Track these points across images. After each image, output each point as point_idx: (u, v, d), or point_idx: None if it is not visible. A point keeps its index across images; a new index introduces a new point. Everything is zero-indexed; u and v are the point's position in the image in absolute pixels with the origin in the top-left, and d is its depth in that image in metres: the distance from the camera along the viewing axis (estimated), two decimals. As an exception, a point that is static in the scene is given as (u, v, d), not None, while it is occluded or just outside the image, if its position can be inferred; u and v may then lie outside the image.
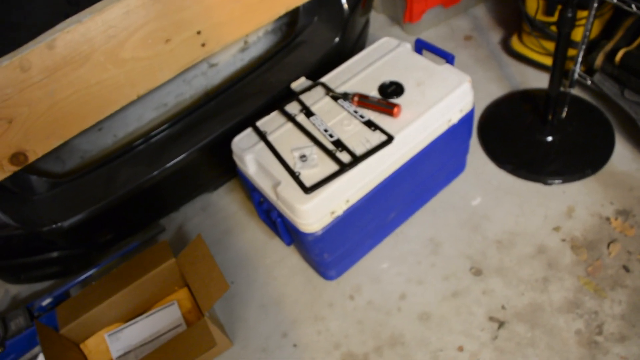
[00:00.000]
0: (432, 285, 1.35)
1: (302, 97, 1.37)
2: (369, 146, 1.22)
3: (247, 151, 1.28)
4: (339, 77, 1.41)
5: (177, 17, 1.25)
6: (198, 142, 1.45)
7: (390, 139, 1.22)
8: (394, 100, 1.30)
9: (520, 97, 1.73)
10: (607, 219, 1.38)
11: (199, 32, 1.30)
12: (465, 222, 1.46)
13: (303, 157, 1.23)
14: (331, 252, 1.30)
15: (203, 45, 1.33)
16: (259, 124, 1.34)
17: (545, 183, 1.49)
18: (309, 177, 1.19)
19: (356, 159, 1.19)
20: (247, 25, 1.40)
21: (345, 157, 1.21)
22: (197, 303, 1.27)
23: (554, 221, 1.41)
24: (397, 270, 1.40)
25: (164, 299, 1.40)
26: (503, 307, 1.28)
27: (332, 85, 1.38)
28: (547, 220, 1.41)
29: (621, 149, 1.52)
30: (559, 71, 1.39)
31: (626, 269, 1.29)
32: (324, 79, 1.41)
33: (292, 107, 1.36)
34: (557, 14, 1.56)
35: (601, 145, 1.54)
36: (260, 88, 1.56)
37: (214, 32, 1.33)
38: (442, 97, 1.28)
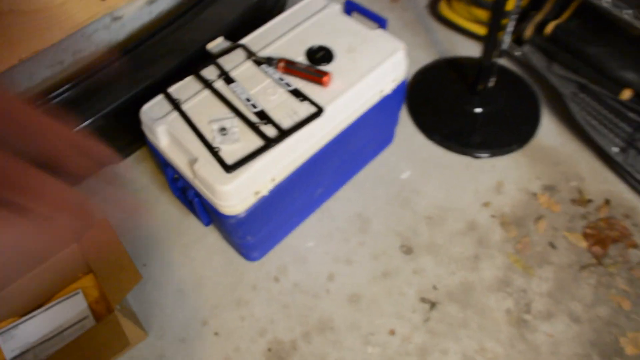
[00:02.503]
0: (362, 265, 1.29)
1: (221, 60, 1.23)
2: (296, 118, 1.11)
3: (159, 122, 1.13)
4: (261, 39, 1.27)
5: (71, -39, 1.06)
6: (102, 108, 1.27)
7: (320, 110, 1.11)
8: (323, 68, 1.19)
9: (447, 64, 1.67)
10: (535, 194, 1.38)
11: (98, -18, 1.11)
12: (395, 197, 1.40)
13: (223, 130, 1.10)
14: (255, 234, 1.19)
15: (103, -2, 1.14)
16: (171, 90, 1.19)
17: (474, 156, 1.46)
18: (231, 153, 1.07)
19: (283, 133, 1.08)
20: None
21: (270, 131, 1.09)
22: (106, 295, 1.13)
23: (483, 196, 1.38)
24: (324, 249, 1.32)
25: (67, 288, 1.24)
26: (434, 287, 1.24)
27: (254, 48, 1.24)
28: (477, 195, 1.38)
29: (547, 122, 1.51)
30: (493, 40, 1.34)
31: (552, 245, 1.29)
32: (244, 41, 1.27)
33: (210, 72, 1.21)
34: (490, -21, 1.50)
35: (528, 119, 1.52)
36: (172, 48, 1.39)
37: (117, -18, 1.14)
38: (375, 66, 1.18)
